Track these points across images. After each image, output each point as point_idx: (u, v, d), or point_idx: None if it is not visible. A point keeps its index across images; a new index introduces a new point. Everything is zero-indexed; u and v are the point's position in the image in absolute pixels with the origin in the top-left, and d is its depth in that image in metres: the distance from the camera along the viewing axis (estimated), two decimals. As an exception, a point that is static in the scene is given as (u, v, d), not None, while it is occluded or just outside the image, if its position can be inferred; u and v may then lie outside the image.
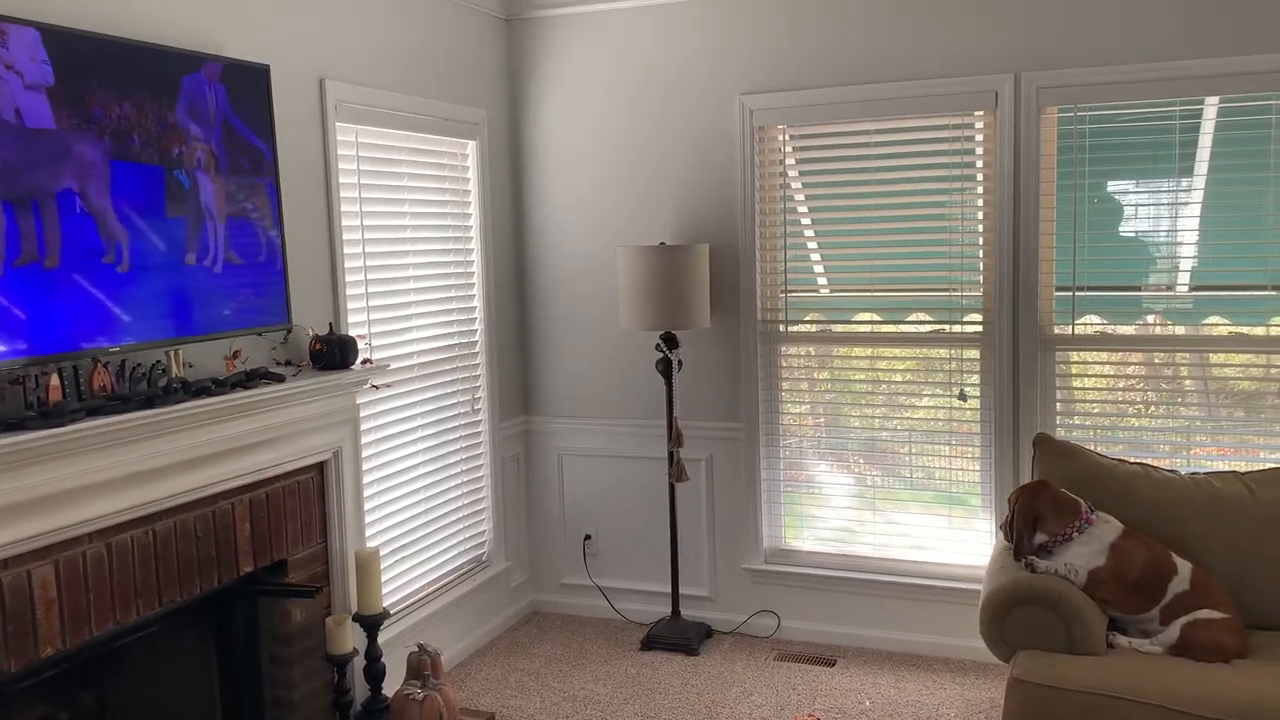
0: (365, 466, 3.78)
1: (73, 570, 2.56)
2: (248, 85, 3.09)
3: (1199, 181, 3.86)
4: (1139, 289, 4.01)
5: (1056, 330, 4.08)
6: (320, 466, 3.40)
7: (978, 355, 4.21)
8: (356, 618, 3.45)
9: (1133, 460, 3.73)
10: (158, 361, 2.83)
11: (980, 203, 4.13)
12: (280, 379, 3.05)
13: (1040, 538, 3.39)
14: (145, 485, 2.70)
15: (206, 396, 2.79)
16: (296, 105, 3.49)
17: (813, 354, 4.52)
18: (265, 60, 3.30)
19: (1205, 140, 3.84)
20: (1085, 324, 4.06)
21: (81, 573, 2.58)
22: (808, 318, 4.47)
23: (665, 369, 4.40)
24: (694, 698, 4.00)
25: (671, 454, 4.41)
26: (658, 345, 4.39)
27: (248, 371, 3.00)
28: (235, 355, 3.12)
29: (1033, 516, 3.41)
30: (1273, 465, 3.68)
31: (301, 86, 3.52)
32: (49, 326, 2.49)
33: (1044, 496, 3.44)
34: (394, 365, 3.98)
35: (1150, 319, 4.02)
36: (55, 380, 2.47)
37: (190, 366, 2.98)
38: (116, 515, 2.64)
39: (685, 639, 4.45)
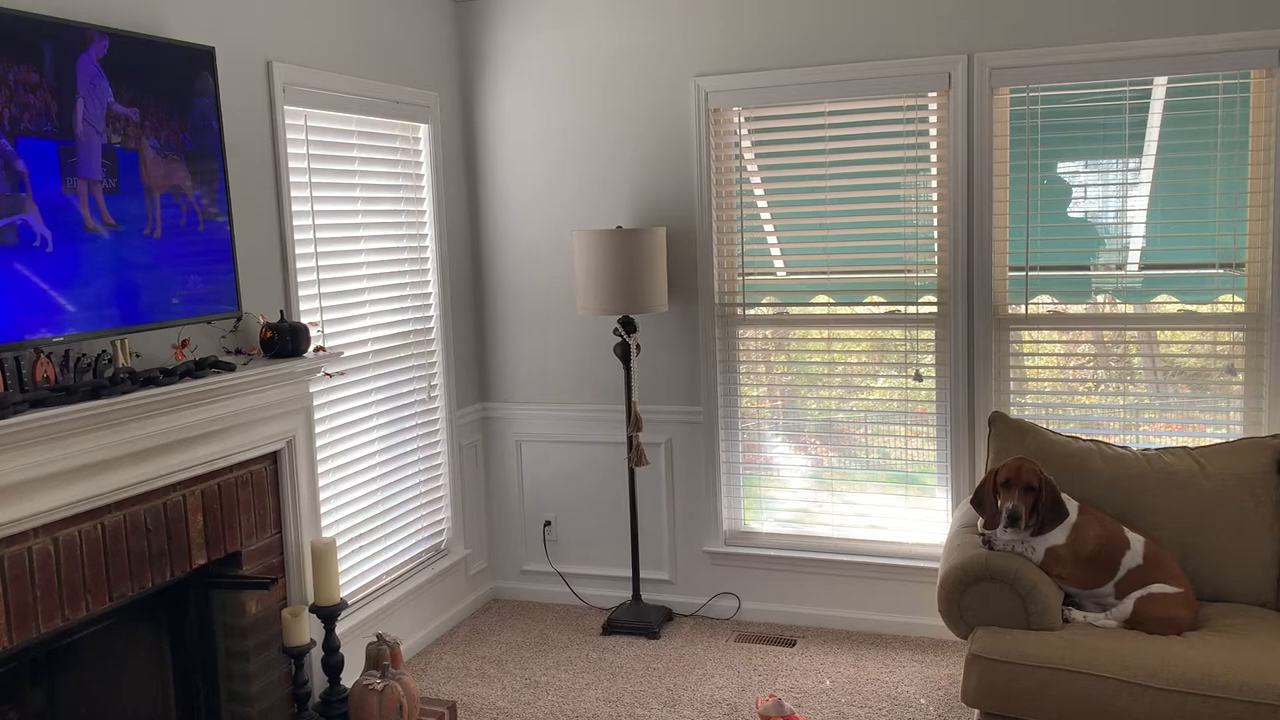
0: (320, 456, 3.72)
1: (18, 566, 2.49)
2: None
3: (1148, 161, 3.91)
4: (1090, 268, 4.06)
5: (1010, 310, 4.12)
6: (274, 456, 3.35)
7: (933, 336, 4.24)
8: (313, 609, 3.41)
9: (1085, 438, 3.78)
10: (103, 351, 2.76)
11: (934, 184, 4.16)
12: (230, 368, 2.99)
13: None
14: (93, 478, 2.63)
15: (154, 386, 2.73)
16: (243, 88, 3.42)
17: (770, 337, 4.52)
18: (211, 43, 3.23)
19: (1154, 120, 3.89)
20: (1038, 304, 4.10)
21: (27, 569, 2.52)
22: (765, 300, 4.47)
23: (624, 353, 4.38)
24: (656, 681, 4.00)
25: (630, 438, 4.40)
26: (616, 329, 4.37)
27: (197, 360, 2.94)
28: (184, 344, 3.05)
29: (1053, 486, 3.36)
30: (1219, 441, 3.75)
31: (248, 69, 3.44)
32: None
33: (1041, 469, 3.39)
34: (347, 353, 3.92)
35: (1100, 298, 4.07)
36: (-4, 372, 2.40)
37: (137, 356, 2.91)
38: (63, 509, 2.57)
39: (646, 622, 4.45)
